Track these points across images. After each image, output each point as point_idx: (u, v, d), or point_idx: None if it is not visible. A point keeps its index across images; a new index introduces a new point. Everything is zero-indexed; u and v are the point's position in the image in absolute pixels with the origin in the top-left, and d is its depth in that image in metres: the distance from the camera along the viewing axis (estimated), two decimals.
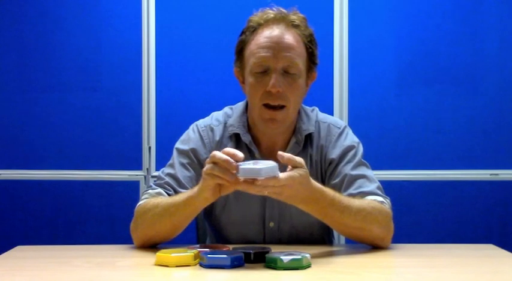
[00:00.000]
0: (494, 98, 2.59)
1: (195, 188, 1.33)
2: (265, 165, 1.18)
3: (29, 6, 2.66)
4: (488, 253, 1.42)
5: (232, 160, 1.21)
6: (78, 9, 2.65)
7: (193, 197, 1.33)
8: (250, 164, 1.20)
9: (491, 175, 2.58)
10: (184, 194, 1.38)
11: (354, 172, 1.49)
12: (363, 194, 1.45)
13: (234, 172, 1.20)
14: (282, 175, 1.21)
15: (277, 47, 1.43)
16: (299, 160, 1.26)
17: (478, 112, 2.59)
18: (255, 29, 1.47)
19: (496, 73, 2.59)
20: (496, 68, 2.59)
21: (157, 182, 1.52)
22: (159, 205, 1.40)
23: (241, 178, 1.20)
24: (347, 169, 1.50)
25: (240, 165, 1.19)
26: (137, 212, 1.45)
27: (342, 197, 1.37)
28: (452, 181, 2.58)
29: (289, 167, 1.26)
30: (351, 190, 1.47)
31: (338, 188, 1.48)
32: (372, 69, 2.61)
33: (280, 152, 1.26)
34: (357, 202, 1.39)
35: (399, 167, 2.57)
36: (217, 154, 1.22)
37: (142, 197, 1.48)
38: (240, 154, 1.22)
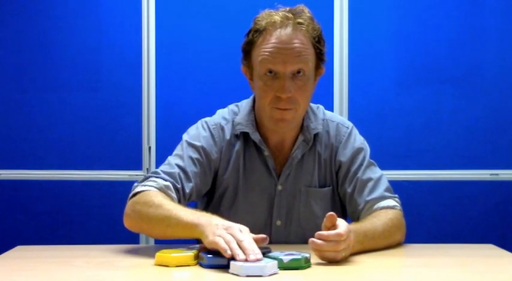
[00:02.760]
0: (494, 98, 2.59)
1: (202, 221, 1.24)
2: (267, 262, 1.13)
3: (28, 6, 2.66)
4: (488, 253, 1.42)
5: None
6: (78, 9, 2.66)
7: (195, 230, 1.25)
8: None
9: (491, 175, 2.58)
10: (190, 216, 1.28)
11: (364, 177, 1.54)
12: (375, 201, 1.50)
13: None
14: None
15: (285, 53, 1.41)
16: (340, 231, 1.21)
17: (478, 112, 2.59)
18: (261, 32, 1.44)
19: (496, 73, 2.59)
20: (496, 68, 2.59)
21: (167, 169, 1.47)
22: (162, 205, 1.34)
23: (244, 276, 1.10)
24: (358, 174, 1.54)
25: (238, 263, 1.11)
26: (140, 197, 1.39)
27: (367, 226, 1.38)
28: (452, 181, 2.58)
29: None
30: (365, 197, 1.51)
31: (351, 194, 1.53)
32: (372, 69, 2.61)
33: (320, 233, 1.21)
34: (379, 223, 1.41)
35: (399, 167, 2.57)
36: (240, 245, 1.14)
37: (148, 184, 1.42)
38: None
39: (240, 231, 1.18)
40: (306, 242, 1.53)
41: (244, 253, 1.12)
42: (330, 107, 2.57)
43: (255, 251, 1.13)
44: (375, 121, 2.59)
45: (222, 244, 1.14)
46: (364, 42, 2.61)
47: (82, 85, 2.65)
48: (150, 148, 2.63)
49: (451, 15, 2.60)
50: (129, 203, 1.42)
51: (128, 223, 1.42)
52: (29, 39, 2.66)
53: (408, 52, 2.61)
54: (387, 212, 1.47)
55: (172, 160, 1.50)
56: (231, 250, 1.13)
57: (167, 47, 2.64)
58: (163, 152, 2.54)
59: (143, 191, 1.40)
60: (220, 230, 1.19)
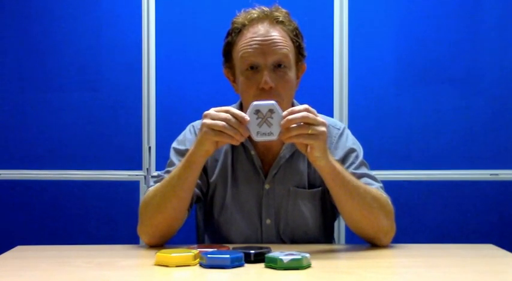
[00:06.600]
0: (494, 98, 2.58)
1: (190, 148, 1.37)
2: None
3: (28, 6, 2.66)
4: (488, 253, 1.42)
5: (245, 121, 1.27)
6: (78, 9, 2.65)
7: (192, 155, 1.35)
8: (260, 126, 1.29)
9: (491, 175, 2.58)
10: (180, 163, 1.40)
11: (358, 171, 1.52)
12: None
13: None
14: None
15: (264, 44, 1.45)
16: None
17: (478, 112, 2.58)
18: (240, 30, 1.50)
19: (496, 73, 2.59)
20: (496, 68, 2.59)
21: (156, 179, 1.52)
22: (159, 187, 1.42)
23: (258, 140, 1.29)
24: (350, 170, 1.52)
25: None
26: (140, 208, 1.47)
27: (347, 173, 1.42)
28: (452, 181, 2.58)
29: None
30: None
31: None
32: (371, 69, 2.61)
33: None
34: (364, 185, 1.43)
35: (399, 167, 2.57)
36: (232, 114, 1.27)
37: (143, 196, 1.49)
38: (247, 118, 1.28)
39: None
40: (296, 241, 1.54)
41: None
42: (330, 107, 2.57)
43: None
44: (375, 121, 2.58)
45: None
46: (364, 42, 2.61)
47: (82, 85, 2.65)
48: (150, 148, 2.63)
49: (451, 15, 2.60)
50: (138, 224, 1.48)
51: (147, 237, 1.47)
52: (28, 39, 2.66)
53: (408, 52, 2.61)
54: (379, 193, 1.45)
55: (161, 173, 1.55)
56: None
57: (167, 47, 2.64)
58: (163, 152, 2.54)
59: (140, 203, 1.48)
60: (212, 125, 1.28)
